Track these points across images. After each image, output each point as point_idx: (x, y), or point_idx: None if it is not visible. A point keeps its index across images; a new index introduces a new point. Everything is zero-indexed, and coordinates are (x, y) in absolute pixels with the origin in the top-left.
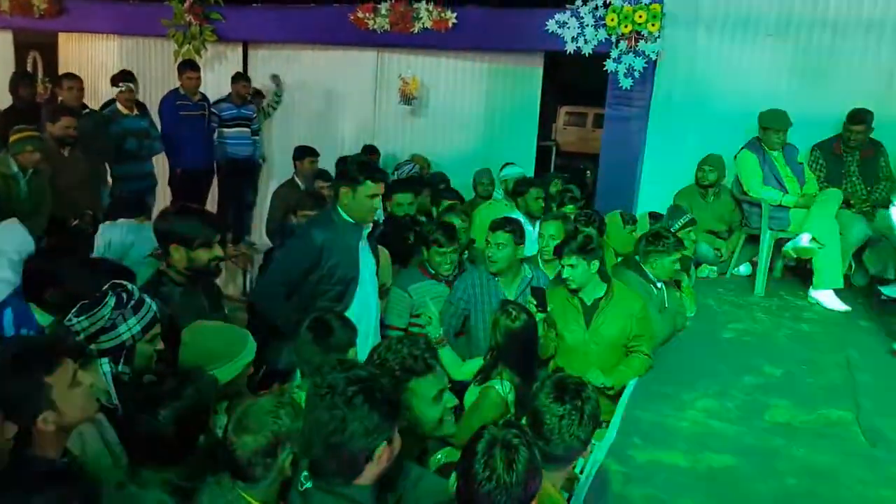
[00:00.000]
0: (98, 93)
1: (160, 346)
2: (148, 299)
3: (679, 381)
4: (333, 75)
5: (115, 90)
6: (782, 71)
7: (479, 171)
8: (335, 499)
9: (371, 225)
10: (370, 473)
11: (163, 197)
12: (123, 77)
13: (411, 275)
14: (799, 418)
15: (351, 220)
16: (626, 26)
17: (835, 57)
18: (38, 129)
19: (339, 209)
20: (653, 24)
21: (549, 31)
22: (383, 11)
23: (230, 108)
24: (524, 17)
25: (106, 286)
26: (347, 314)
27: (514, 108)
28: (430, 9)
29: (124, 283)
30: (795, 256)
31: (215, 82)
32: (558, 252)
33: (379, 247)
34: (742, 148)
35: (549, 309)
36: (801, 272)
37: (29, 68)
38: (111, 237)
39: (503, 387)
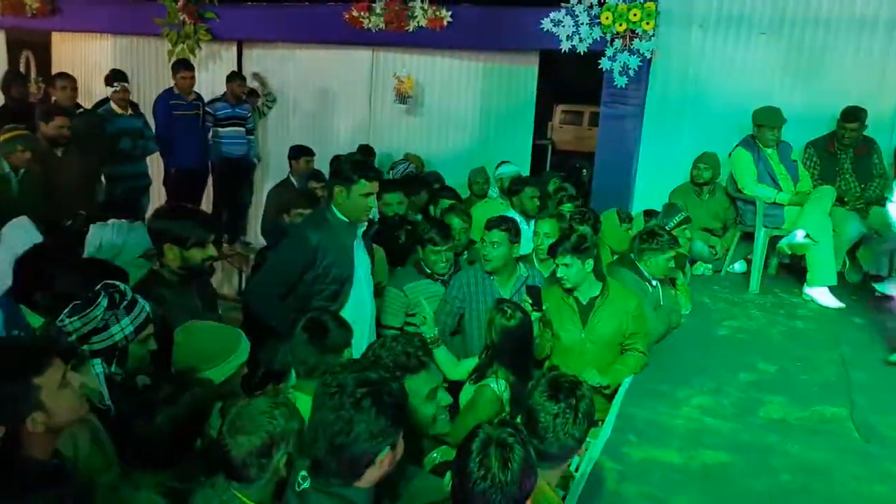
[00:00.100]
0: (91, 92)
1: (153, 346)
2: (141, 300)
3: (674, 379)
4: (328, 74)
5: (110, 90)
6: (776, 69)
7: (474, 170)
8: (332, 499)
9: (366, 224)
10: (371, 477)
11: (157, 197)
12: (117, 76)
13: (407, 274)
14: (793, 415)
15: (345, 219)
16: (620, 25)
17: (828, 55)
18: (32, 129)
19: (334, 208)
20: (647, 23)
21: (544, 29)
22: (378, 10)
23: (225, 108)
24: (519, 16)
25: (98, 287)
26: (342, 313)
27: (510, 106)
28: (425, 7)
29: (117, 283)
30: (790, 253)
31: (209, 82)
32: (552, 252)
33: (374, 245)
34: (736, 145)
35: (544, 308)
36: (795, 269)
37: (22, 68)
38: (102, 238)
39: (498, 385)
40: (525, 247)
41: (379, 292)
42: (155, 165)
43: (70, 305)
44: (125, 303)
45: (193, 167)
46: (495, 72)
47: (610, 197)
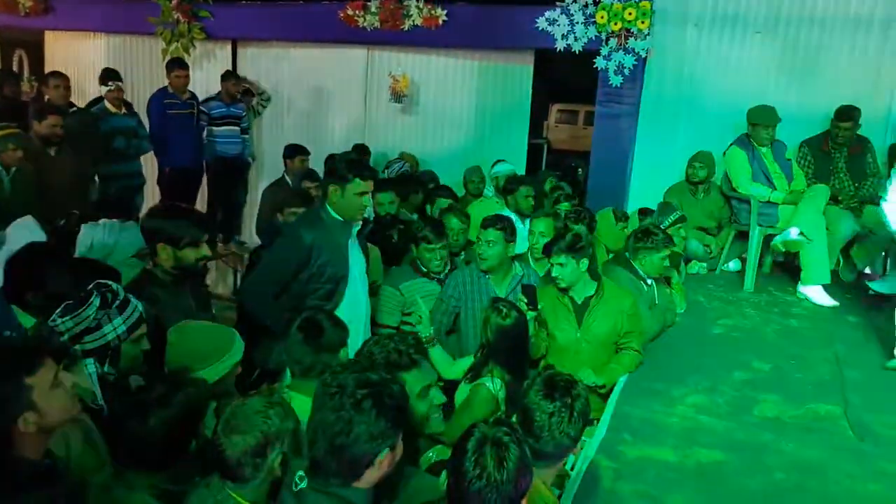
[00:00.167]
0: (85, 91)
1: (146, 346)
2: (133, 299)
3: (669, 378)
4: (323, 73)
5: (104, 89)
6: (770, 68)
7: (469, 169)
8: (331, 500)
9: (360, 223)
10: (369, 478)
11: (151, 196)
12: (111, 76)
13: (403, 273)
14: (787, 413)
15: (340, 218)
16: (615, 24)
17: (822, 54)
18: (25, 128)
19: (328, 207)
20: (642, 22)
21: (540, 28)
22: (373, 9)
23: (219, 107)
24: (514, 15)
25: (90, 286)
26: (337, 313)
27: (505, 105)
28: (420, 6)
29: (109, 283)
30: (784, 250)
31: (204, 80)
32: (547, 251)
33: (369, 245)
34: (731, 144)
35: (539, 307)
36: (789, 268)
37: (15, 67)
38: (93, 238)
39: (494, 384)
40: (520, 246)
41: (374, 291)
42: (149, 164)
43: (62, 305)
44: (117, 302)
45: (188, 166)
46: (491, 71)
47: (605, 196)
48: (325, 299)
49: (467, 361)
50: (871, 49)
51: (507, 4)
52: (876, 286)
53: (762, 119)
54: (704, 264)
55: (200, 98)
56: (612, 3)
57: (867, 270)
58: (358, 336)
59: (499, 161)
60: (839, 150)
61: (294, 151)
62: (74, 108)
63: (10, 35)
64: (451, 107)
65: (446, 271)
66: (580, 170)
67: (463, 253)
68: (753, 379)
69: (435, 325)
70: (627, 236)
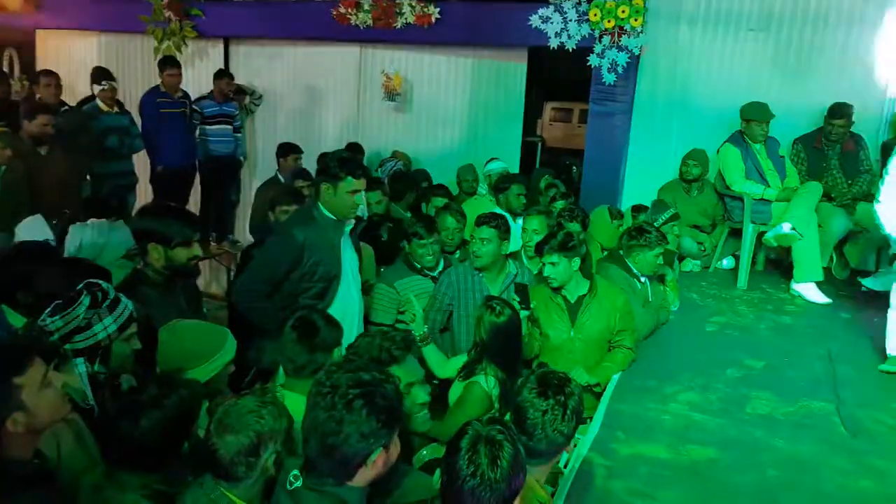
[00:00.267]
0: (76, 90)
1: (137, 345)
2: (123, 298)
3: (662, 375)
4: (316, 71)
5: (97, 88)
6: (764, 66)
7: (462, 168)
8: (325, 498)
9: (353, 221)
10: (363, 477)
11: (144, 195)
12: (103, 75)
13: (397, 270)
14: (780, 410)
15: (332, 216)
16: (609, 21)
17: (815, 52)
18: (16, 127)
19: (321, 206)
20: (635, 19)
21: (533, 26)
22: (366, 7)
23: (212, 105)
24: (507, 13)
25: (80, 285)
26: (330, 311)
27: (499, 103)
28: (413, 4)
29: (99, 282)
30: (776, 245)
31: (196, 79)
32: (539, 251)
33: (361, 243)
34: (725, 142)
35: (532, 306)
36: (782, 265)
37: (5, 66)
38: (82, 239)
39: (487, 382)
40: (512, 244)
41: (367, 290)
42: (141, 163)
43: (52, 305)
44: (107, 301)
45: (180, 165)
46: (484, 69)
47: (599, 194)
48: (317, 298)
49: (461, 360)
50: (864, 46)
51: (501, 2)
52: (868, 283)
53: (756, 115)
54: (698, 262)
55: (193, 97)
56: (605, 1)
57: (861, 267)
58: (351, 335)
59: (492, 159)
60: (832, 148)
61: (287, 150)
62: (66, 107)
63: (0, 34)
64: (445, 105)
65: (440, 268)
66: (574, 168)
67: (458, 252)
68: (746, 376)
69: (429, 324)
70: (621, 234)
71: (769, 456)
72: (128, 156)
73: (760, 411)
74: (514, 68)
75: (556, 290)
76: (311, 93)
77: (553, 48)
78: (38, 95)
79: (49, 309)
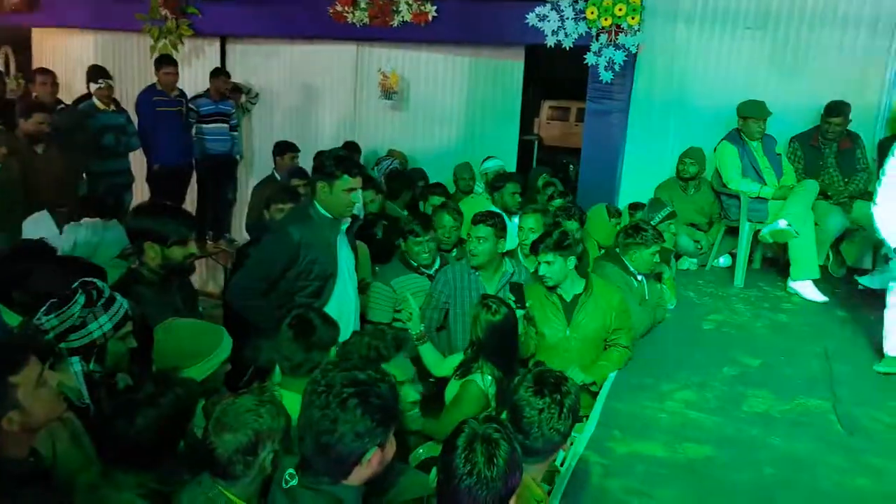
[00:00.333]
0: (72, 88)
1: (133, 344)
2: (119, 297)
3: (658, 373)
4: (312, 70)
5: (93, 86)
6: (761, 64)
7: (459, 166)
8: (321, 496)
9: (349, 220)
10: (358, 476)
11: (140, 193)
12: (100, 73)
13: (393, 269)
14: (777, 408)
15: (328, 214)
16: (605, 19)
17: (812, 50)
18: (11, 125)
19: (317, 204)
20: (632, 17)
21: (530, 24)
22: (362, 5)
23: (208, 104)
24: (504, 11)
25: (75, 284)
26: (326, 310)
27: (496, 102)
28: (410, 2)
29: (94, 280)
30: (772, 241)
31: (193, 77)
32: (534, 250)
33: (357, 242)
34: (722, 140)
35: (527, 305)
36: (779, 263)
37: (1, 64)
38: (76, 238)
39: (484, 381)
40: (509, 243)
41: (363, 289)
42: (138, 162)
43: (47, 303)
44: (103, 300)
45: (177, 164)
46: (481, 67)
47: (596, 192)
48: (313, 297)
49: (457, 358)
50: (860, 45)
51: (497, 0)
52: (865, 281)
53: (753, 112)
54: (695, 260)
55: (189, 95)
56: None
57: (857, 265)
58: (347, 334)
59: (489, 157)
60: (829, 146)
61: (284, 148)
62: (62, 106)
63: None
64: (442, 103)
65: (436, 266)
66: (571, 167)
67: (455, 250)
68: (743, 374)
69: (425, 322)
70: (617, 233)
71: (766, 454)
72: (124, 154)
73: (757, 409)
74: (510, 66)
75: (552, 288)
76: (307, 91)
77: (550, 46)
78: (34, 94)
79: (44, 308)
